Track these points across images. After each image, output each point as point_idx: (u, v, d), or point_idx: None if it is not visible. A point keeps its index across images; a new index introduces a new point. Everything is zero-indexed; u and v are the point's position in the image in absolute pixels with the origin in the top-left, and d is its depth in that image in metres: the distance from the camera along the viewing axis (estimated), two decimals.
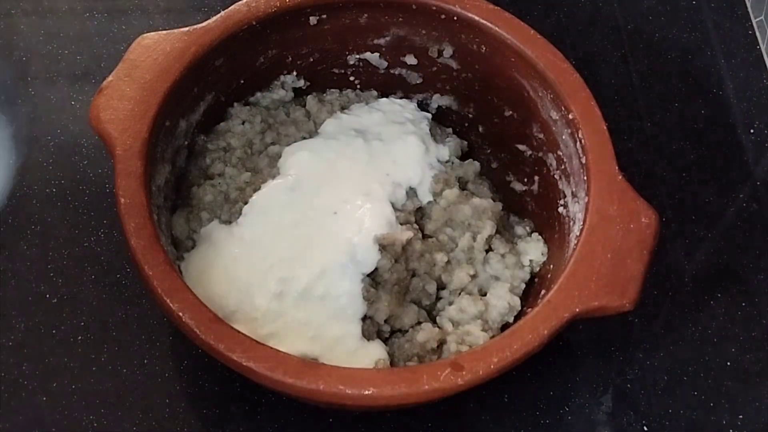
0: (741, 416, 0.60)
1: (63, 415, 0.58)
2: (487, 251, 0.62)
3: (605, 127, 0.58)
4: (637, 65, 0.77)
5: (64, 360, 0.60)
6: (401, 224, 0.61)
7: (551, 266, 0.61)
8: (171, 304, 0.51)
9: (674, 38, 0.78)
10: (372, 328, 0.59)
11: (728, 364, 0.62)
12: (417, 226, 0.62)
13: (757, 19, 0.78)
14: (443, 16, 0.64)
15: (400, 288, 0.60)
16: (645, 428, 0.60)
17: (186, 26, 0.60)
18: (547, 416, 0.60)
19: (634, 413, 0.60)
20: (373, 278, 0.59)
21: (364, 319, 0.58)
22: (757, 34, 0.78)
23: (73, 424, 0.58)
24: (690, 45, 0.78)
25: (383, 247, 0.59)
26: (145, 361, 0.60)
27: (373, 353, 0.57)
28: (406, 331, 0.59)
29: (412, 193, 0.63)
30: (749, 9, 0.79)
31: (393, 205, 0.61)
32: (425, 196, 0.63)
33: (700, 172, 0.71)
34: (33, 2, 0.77)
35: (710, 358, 0.62)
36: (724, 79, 0.76)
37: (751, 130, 0.73)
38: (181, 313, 0.51)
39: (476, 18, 0.63)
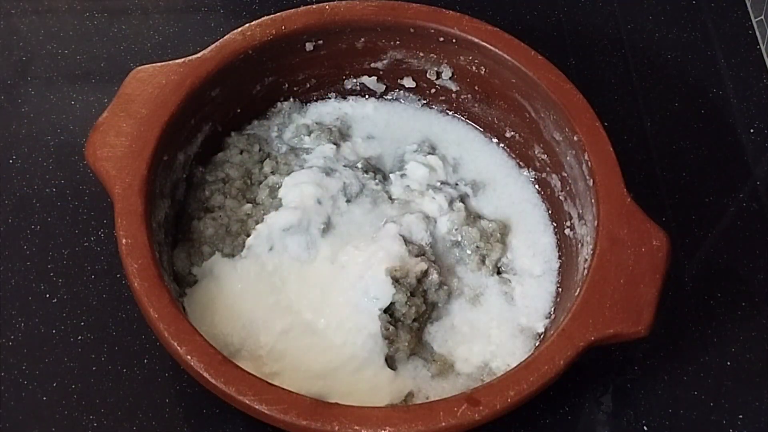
0: (741, 416, 0.60)
1: (63, 415, 0.58)
2: (497, 273, 0.62)
3: (611, 149, 0.58)
4: (637, 65, 0.76)
5: (64, 360, 0.60)
6: (415, 256, 0.59)
7: (560, 289, 0.61)
8: (179, 348, 0.50)
9: (674, 38, 0.78)
10: (392, 363, 0.58)
11: (728, 364, 0.62)
12: (434, 258, 0.61)
13: (757, 19, 0.78)
14: (441, 39, 0.63)
15: (420, 324, 0.59)
16: (645, 428, 0.60)
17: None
18: (547, 416, 0.60)
19: (634, 413, 0.60)
20: (391, 314, 0.58)
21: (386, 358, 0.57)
22: (757, 34, 0.78)
23: (73, 424, 0.58)
24: (690, 45, 0.78)
25: (396, 281, 0.58)
26: (145, 361, 0.60)
27: (402, 387, 0.57)
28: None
29: (429, 224, 0.62)
30: (749, 9, 0.79)
31: (405, 238, 0.60)
32: (443, 226, 0.62)
33: (700, 172, 0.71)
34: (33, 2, 0.76)
35: (710, 358, 0.62)
36: (724, 79, 0.76)
37: (751, 130, 0.73)
38: (189, 357, 0.50)
39: (475, 39, 0.62)
